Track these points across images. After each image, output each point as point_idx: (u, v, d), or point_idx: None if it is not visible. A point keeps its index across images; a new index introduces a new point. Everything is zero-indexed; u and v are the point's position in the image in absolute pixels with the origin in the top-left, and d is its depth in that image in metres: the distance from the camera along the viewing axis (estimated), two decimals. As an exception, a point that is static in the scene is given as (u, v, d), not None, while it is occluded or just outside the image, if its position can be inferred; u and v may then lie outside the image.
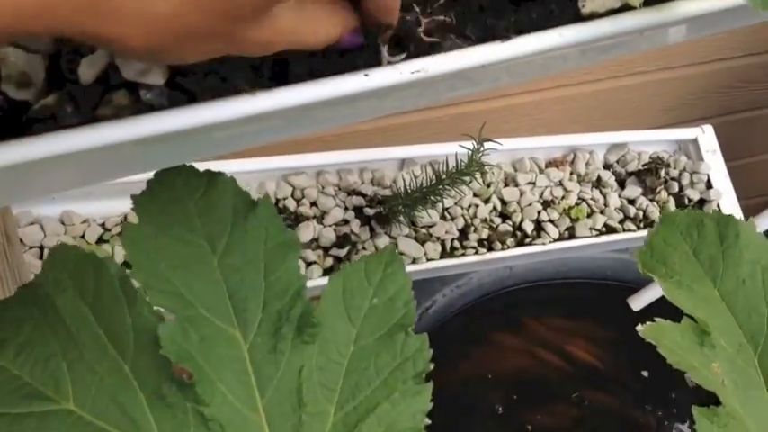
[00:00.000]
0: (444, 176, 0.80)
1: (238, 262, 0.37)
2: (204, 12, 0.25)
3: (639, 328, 0.43)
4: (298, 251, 0.38)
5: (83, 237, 0.76)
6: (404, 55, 0.33)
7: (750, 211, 1.14)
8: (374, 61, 0.33)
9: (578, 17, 0.35)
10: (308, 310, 0.37)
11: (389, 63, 0.33)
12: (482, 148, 0.74)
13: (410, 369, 0.37)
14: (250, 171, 0.85)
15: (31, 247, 0.73)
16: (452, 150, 0.88)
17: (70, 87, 0.30)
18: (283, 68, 0.33)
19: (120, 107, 0.30)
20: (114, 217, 0.78)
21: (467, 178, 0.80)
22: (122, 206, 0.78)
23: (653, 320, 0.45)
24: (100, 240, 0.76)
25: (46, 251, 0.73)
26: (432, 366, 0.38)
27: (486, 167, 0.79)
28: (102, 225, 0.77)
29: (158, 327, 0.35)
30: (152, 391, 0.35)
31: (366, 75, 0.33)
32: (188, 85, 0.31)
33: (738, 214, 1.06)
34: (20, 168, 0.28)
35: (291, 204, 0.87)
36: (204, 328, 0.36)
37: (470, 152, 0.76)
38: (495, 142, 0.75)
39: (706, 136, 1.03)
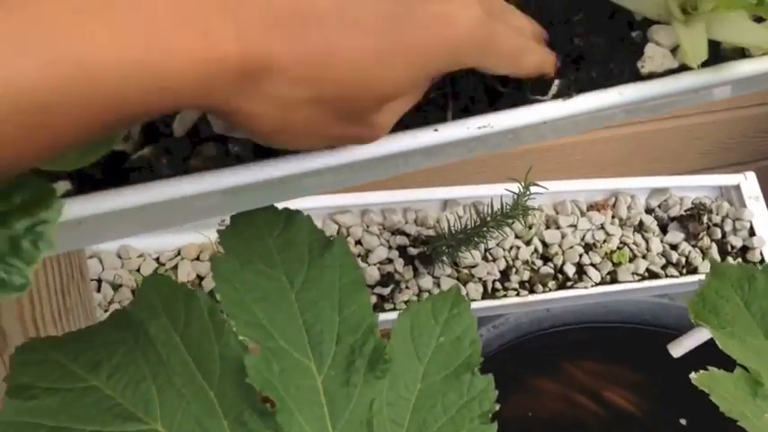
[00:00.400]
0: (489, 219, 0.81)
1: (315, 297, 0.39)
2: (337, 108, 0.28)
3: (693, 376, 0.43)
4: (367, 288, 0.40)
5: (138, 270, 0.78)
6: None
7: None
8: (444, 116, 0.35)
9: (637, 76, 0.37)
10: (380, 345, 0.39)
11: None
12: (528, 192, 0.75)
13: (476, 408, 0.39)
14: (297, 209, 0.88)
15: (90, 280, 0.76)
16: (495, 192, 0.90)
17: (164, 140, 0.32)
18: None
19: (210, 158, 0.32)
20: (168, 252, 0.81)
21: (510, 221, 0.81)
22: (176, 241, 0.81)
23: (705, 368, 0.46)
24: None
25: (104, 284, 0.76)
26: (498, 407, 0.39)
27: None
28: (157, 259, 0.80)
29: (245, 357, 0.37)
30: (234, 417, 0.37)
31: (436, 129, 0.35)
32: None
33: (782, 261, 1.05)
34: (120, 213, 0.31)
35: (337, 243, 0.89)
36: (283, 359, 0.38)
37: (516, 195, 0.77)
38: (541, 186, 0.77)
39: (749, 182, 1.03)
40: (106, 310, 0.75)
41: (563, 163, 1.26)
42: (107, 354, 0.37)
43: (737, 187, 1.03)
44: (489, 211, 0.81)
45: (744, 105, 1.36)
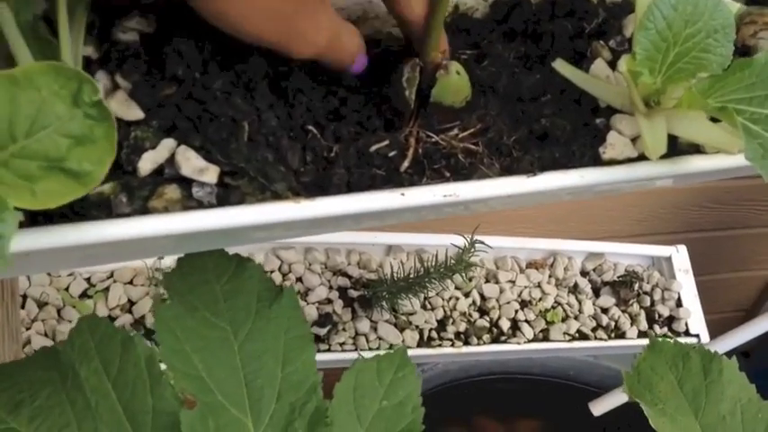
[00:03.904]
0: (432, 270, 0.82)
1: (258, 350, 0.38)
2: None
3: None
4: (314, 345, 0.39)
5: (67, 289, 0.75)
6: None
7: (710, 326, 1.19)
8: (414, 178, 0.36)
9: (597, 161, 0.38)
10: (322, 407, 0.38)
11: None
12: (472, 249, 0.76)
13: (413, 477, 0.38)
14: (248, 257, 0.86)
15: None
16: (439, 242, 0.91)
17: (127, 178, 0.31)
18: (325, 179, 0.35)
19: (171, 201, 0.31)
20: (100, 273, 0.78)
21: (452, 274, 0.82)
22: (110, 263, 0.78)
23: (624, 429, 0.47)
24: (84, 295, 0.76)
25: (29, 300, 0.72)
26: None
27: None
28: (88, 280, 0.77)
29: (180, 412, 0.35)
30: (164, 473, 0.35)
31: (402, 194, 0.35)
32: (236, 185, 0.33)
33: (704, 333, 1.10)
34: (71, 248, 0.29)
35: (277, 278, 0.88)
36: (220, 416, 0.36)
37: (460, 251, 0.78)
38: (485, 244, 0.78)
39: (680, 255, 1.07)
40: (28, 328, 0.72)
41: (504, 217, 1.28)
42: (30, 393, 0.35)
43: (669, 259, 1.07)
44: (433, 262, 0.82)
45: (677, 178, 1.42)
